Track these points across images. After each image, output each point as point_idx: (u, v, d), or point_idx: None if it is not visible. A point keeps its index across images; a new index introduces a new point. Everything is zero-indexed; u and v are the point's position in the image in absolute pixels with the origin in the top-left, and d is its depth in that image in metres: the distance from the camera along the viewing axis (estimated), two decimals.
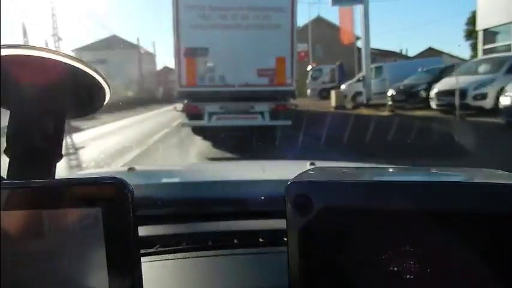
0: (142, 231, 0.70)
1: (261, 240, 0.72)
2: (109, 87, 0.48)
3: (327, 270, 0.32)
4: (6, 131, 0.44)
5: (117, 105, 13.31)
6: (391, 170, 0.37)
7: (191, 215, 0.85)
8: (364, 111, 13.10)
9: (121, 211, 0.32)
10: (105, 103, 0.51)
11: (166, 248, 0.69)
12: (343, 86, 16.85)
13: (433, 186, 0.32)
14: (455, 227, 0.30)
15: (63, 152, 0.47)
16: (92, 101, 0.49)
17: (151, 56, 36.91)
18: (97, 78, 0.46)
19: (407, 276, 0.31)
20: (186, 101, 7.76)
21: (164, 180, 1.20)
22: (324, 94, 22.25)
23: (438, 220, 0.30)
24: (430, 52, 26.15)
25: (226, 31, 7.56)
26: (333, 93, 15.26)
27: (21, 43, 0.41)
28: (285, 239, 0.62)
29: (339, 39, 23.94)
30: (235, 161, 3.16)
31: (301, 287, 0.33)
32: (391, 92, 13.26)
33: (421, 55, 27.47)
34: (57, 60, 0.42)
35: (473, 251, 0.30)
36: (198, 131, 8.10)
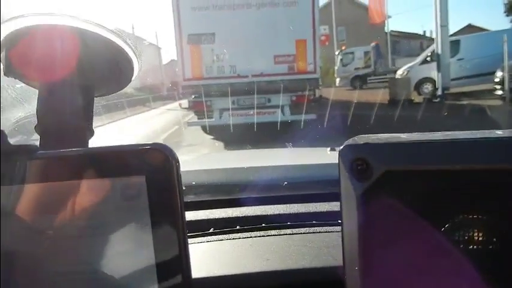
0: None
1: (289, 223, 0.73)
2: (138, 60, 0.48)
3: (388, 241, 0.31)
4: (36, 107, 0.44)
5: (113, 105, 13.04)
6: (444, 134, 0.33)
7: (216, 201, 0.88)
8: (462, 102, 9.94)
9: (167, 179, 0.32)
10: (133, 78, 0.51)
11: (196, 233, 0.70)
12: (399, 71, 13.70)
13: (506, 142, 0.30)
14: None
15: (93, 129, 0.48)
16: (120, 75, 0.49)
17: (156, 49, 37.25)
18: (125, 48, 0.46)
19: (472, 246, 0.31)
20: (192, 97, 7.25)
21: (188, 168, 1.20)
22: (358, 83, 20.02)
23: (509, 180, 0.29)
24: (470, 30, 25.24)
25: (234, 12, 6.90)
26: (392, 81, 12.32)
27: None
28: (315, 221, 0.70)
29: (366, 19, 23.09)
30: (253, 150, 3.04)
31: (361, 262, 0.32)
32: (500, 75, 9.34)
33: (462, 33, 26.55)
34: (83, 29, 0.42)
35: None
36: (209, 129, 7.54)
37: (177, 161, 0.32)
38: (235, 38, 6.89)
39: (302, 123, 6.50)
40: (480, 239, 0.30)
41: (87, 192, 0.32)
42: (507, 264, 0.30)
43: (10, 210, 0.32)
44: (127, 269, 0.32)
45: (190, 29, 6.95)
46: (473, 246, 0.30)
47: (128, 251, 0.32)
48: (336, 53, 21.47)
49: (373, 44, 20.00)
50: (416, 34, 31.01)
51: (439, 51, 11.02)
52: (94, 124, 0.48)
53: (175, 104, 11.23)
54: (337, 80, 21.07)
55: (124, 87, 0.52)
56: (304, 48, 7.04)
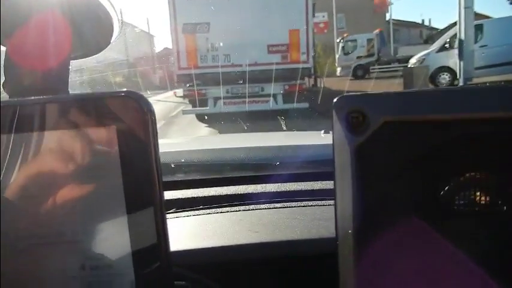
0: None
1: (280, 199, 0.75)
2: (118, 18, 0.46)
3: (385, 203, 0.29)
4: (3, 68, 0.42)
5: None
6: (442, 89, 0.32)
7: (206, 180, 0.89)
8: None
9: (140, 131, 0.30)
10: (113, 39, 0.48)
11: (184, 209, 0.72)
12: (412, 60, 12.70)
13: None
14: None
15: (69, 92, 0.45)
16: (98, 34, 0.47)
17: (147, 36, 37.03)
18: (103, 3, 0.43)
19: (476, 208, 0.29)
20: (187, 85, 7.48)
21: (180, 148, 1.23)
22: (360, 73, 19.20)
23: None
24: (476, 18, 25.08)
25: (229, 1, 7.15)
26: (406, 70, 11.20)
27: None
28: (308, 197, 0.71)
29: (366, 5, 22.04)
30: (246, 133, 3.21)
31: (355, 227, 0.30)
32: None
33: None
34: None
35: None
36: (203, 117, 7.77)
37: (152, 112, 0.30)
38: (229, 27, 7.13)
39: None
40: (483, 201, 0.29)
41: (51, 144, 0.30)
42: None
43: None
44: (99, 228, 0.31)
45: (185, 18, 7.19)
46: (476, 209, 0.29)
47: (99, 210, 0.31)
48: (337, 40, 20.82)
49: (376, 31, 19.35)
50: (416, 23, 30.90)
51: (462, 37, 9.70)
52: None
53: (167, 94, 10.97)
54: (338, 69, 20.22)
55: (103, 49, 0.49)
56: (297, 38, 7.32)
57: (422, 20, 35.32)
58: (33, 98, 0.31)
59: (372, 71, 19.07)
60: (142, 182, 0.30)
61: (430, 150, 0.29)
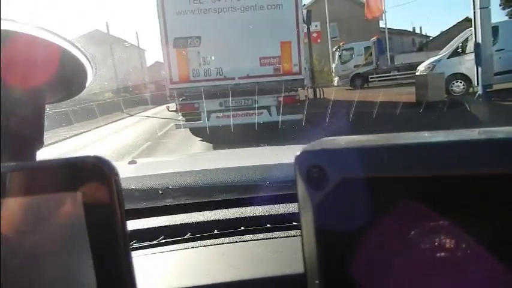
0: (146, 223, 0.80)
1: (268, 226, 0.77)
2: (92, 67, 0.48)
3: (349, 252, 0.31)
4: None
5: (85, 111, 12.03)
6: (412, 134, 0.34)
7: (194, 204, 0.91)
8: None
9: (104, 195, 0.30)
10: (87, 85, 0.51)
11: (171, 239, 0.73)
12: (421, 67, 12.16)
13: (481, 144, 0.30)
14: (498, 192, 0.28)
15: (44, 139, 0.47)
16: (72, 83, 0.49)
17: (139, 51, 37.20)
18: (78, 56, 0.46)
19: (440, 254, 0.30)
20: (180, 99, 7.53)
21: (165, 171, 1.24)
22: (359, 82, 18.67)
23: (481, 185, 0.29)
24: (468, 24, 25.39)
25: (220, 15, 7.28)
26: (419, 78, 10.83)
27: None
28: (294, 223, 0.71)
29: (358, 14, 21.83)
30: (237, 149, 3.22)
31: (320, 272, 0.31)
32: None
33: (459, 27, 27.06)
34: (35, 36, 0.42)
35: None
36: (197, 131, 7.89)
37: (116, 174, 0.31)
38: (221, 41, 7.26)
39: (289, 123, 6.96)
40: (448, 246, 0.30)
41: (19, 210, 0.31)
42: (475, 269, 0.30)
43: None
44: None
45: (176, 33, 7.31)
46: (441, 254, 0.30)
47: (67, 269, 0.31)
48: (333, 49, 20.58)
49: (374, 38, 19.15)
50: (407, 31, 31.54)
51: (479, 40, 9.27)
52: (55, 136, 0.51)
53: (159, 109, 10.66)
54: (335, 79, 19.85)
55: (77, 94, 0.52)
56: (288, 50, 7.44)
57: (413, 28, 36.24)
58: (4, 164, 0.32)
59: (371, 79, 18.85)
60: (109, 243, 0.31)
61: (388, 204, 0.30)
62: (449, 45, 12.12)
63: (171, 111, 8.28)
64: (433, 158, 0.29)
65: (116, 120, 14.24)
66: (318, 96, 13.21)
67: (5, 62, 0.42)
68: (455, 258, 0.30)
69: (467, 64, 10.65)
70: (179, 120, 8.12)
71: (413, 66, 17.86)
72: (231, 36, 7.34)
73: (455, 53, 11.38)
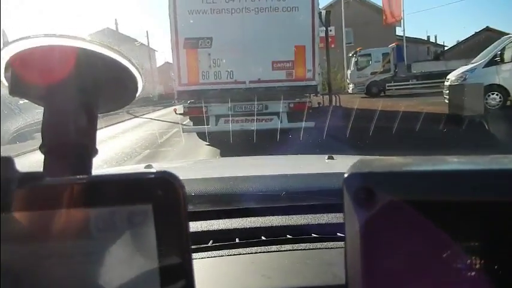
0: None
1: (292, 237, 0.79)
2: (142, 77, 0.52)
3: (389, 269, 0.34)
4: (41, 127, 0.47)
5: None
6: (450, 159, 0.37)
7: (216, 211, 0.92)
8: None
9: (173, 207, 0.34)
10: (137, 94, 0.54)
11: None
12: (451, 77, 11.33)
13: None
14: None
15: (97, 147, 0.50)
16: (124, 93, 0.53)
17: (149, 50, 37.43)
18: (129, 67, 0.49)
19: (472, 273, 0.33)
20: (188, 102, 7.43)
21: (193, 176, 1.25)
22: (375, 90, 18.28)
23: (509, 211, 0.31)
24: (488, 33, 25.33)
25: (232, 16, 7.14)
26: (451, 88, 10.03)
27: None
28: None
29: (375, 20, 21.64)
30: (250, 157, 3.20)
31: (362, 286, 0.34)
32: None
33: (479, 36, 26.81)
34: (85, 49, 0.46)
35: None
36: (204, 136, 7.68)
37: (183, 189, 0.34)
38: (232, 42, 7.11)
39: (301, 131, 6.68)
40: (480, 266, 0.32)
41: (94, 220, 0.34)
42: None
43: (13, 237, 0.33)
44: None
45: (187, 33, 7.17)
46: (474, 273, 0.32)
47: (134, 279, 0.34)
48: (349, 55, 20.08)
49: (393, 44, 18.76)
50: (422, 39, 31.33)
51: None
52: None
53: (166, 111, 10.45)
54: (350, 86, 19.43)
55: (129, 104, 0.56)
56: (302, 55, 7.28)
57: (428, 37, 35.99)
58: (80, 177, 0.37)
59: (388, 88, 18.26)
60: (176, 253, 0.34)
61: (430, 225, 0.32)
62: (484, 53, 11.34)
63: (179, 114, 8.14)
64: (475, 184, 0.32)
65: (118, 122, 13.84)
66: (334, 104, 12.89)
67: (62, 76, 0.46)
68: (490, 280, 0.32)
69: (504, 74, 10.11)
70: (185, 124, 7.98)
71: (434, 75, 17.60)
72: (244, 38, 7.19)
73: (492, 62, 10.55)
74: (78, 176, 0.37)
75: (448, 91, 10.38)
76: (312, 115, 7.28)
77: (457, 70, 11.74)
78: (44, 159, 0.47)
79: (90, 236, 0.34)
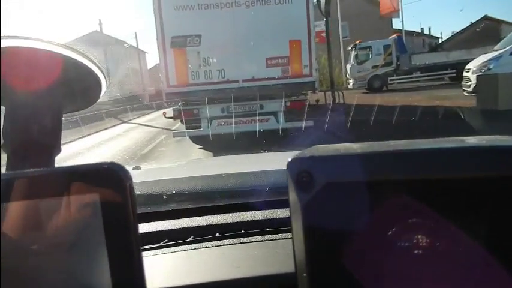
0: (150, 227, 0.86)
1: (267, 229, 0.81)
2: (105, 78, 0.55)
3: (333, 248, 0.35)
4: (2, 126, 0.50)
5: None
6: (393, 143, 0.39)
7: (197, 209, 0.96)
8: None
9: (119, 198, 0.35)
10: (101, 95, 0.57)
11: (174, 242, 0.78)
12: (471, 66, 10.34)
13: (443, 152, 0.36)
14: (467, 195, 0.34)
15: (61, 146, 0.53)
16: (87, 93, 0.56)
17: (139, 52, 37.26)
18: (92, 68, 0.52)
19: (417, 251, 0.35)
20: (178, 105, 7.16)
21: (169, 176, 1.30)
22: (377, 84, 17.77)
23: (449, 188, 0.34)
24: (487, 21, 25.26)
25: (222, 11, 6.83)
26: (472, 77, 9.26)
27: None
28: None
29: (370, 12, 21.45)
30: (238, 155, 3.21)
31: (307, 267, 0.36)
32: None
33: (477, 25, 26.71)
34: (50, 51, 0.48)
35: (488, 221, 0.33)
36: (197, 139, 7.46)
37: (130, 180, 0.36)
38: (223, 39, 6.82)
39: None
40: (424, 244, 0.34)
41: (44, 211, 0.35)
42: (452, 265, 0.34)
43: None
44: (84, 286, 0.36)
45: (173, 31, 6.85)
46: (418, 251, 0.34)
47: (84, 268, 0.36)
48: (348, 48, 19.44)
49: (394, 36, 18.22)
50: (416, 31, 31.24)
51: None
52: None
53: (156, 114, 10.25)
54: (351, 81, 18.81)
55: (92, 104, 0.59)
56: (298, 50, 7.00)
57: (422, 29, 36.11)
58: (31, 170, 0.38)
59: (391, 82, 17.75)
60: (124, 240, 0.36)
61: (370, 205, 0.35)
62: (507, 39, 10.49)
63: (168, 117, 7.85)
64: (407, 163, 0.35)
65: (104, 129, 13.29)
66: (337, 102, 12.20)
67: (26, 76, 0.49)
68: (433, 254, 0.34)
69: None
70: (174, 129, 7.70)
71: (438, 66, 17.21)
72: (235, 34, 6.89)
73: None
74: (25, 170, 0.38)
75: (474, 83, 9.54)
76: (310, 113, 7.00)
77: (476, 59, 10.87)
78: (7, 158, 0.48)
79: (42, 227, 0.36)
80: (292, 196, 0.36)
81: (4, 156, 0.49)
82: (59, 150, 0.52)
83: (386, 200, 0.34)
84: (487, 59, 10.40)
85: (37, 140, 0.49)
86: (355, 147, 0.38)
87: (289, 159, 0.37)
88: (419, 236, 0.34)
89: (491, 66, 9.99)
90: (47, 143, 0.50)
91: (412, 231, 0.34)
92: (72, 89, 0.54)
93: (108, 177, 0.35)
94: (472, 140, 0.39)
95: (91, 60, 0.51)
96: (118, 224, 0.35)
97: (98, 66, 0.52)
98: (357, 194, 0.35)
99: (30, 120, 0.50)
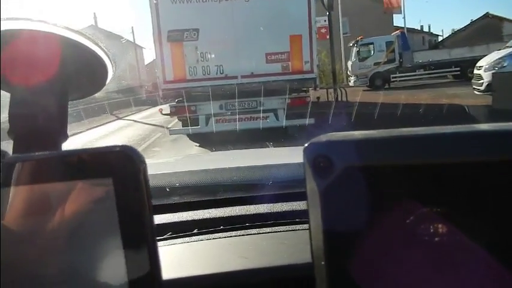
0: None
1: (273, 221, 0.82)
2: (112, 63, 0.54)
3: (353, 235, 0.34)
4: (8, 112, 0.49)
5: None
6: (414, 129, 0.36)
7: (201, 202, 0.96)
8: None
9: (133, 181, 0.35)
10: (107, 81, 0.57)
11: (178, 234, 0.79)
12: (482, 63, 10.09)
13: (469, 135, 0.34)
14: (492, 180, 0.32)
15: (67, 133, 0.53)
16: (94, 79, 0.56)
17: (136, 47, 37.15)
18: (99, 53, 0.51)
19: (436, 238, 0.34)
20: (175, 101, 7.03)
21: (173, 170, 1.30)
22: (379, 82, 17.18)
23: (473, 173, 0.32)
24: (488, 19, 25.24)
25: (220, 4, 6.69)
26: (484, 75, 9.07)
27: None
28: (297, 219, 0.81)
29: (371, 8, 21.73)
30: (243, 150, 3.17)
31: (326, 254, 0.35)
32: None
33: (478, 23, 26.63)
34: (55, 33, 0.47)
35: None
36: (195, 136, 7.33)
37: (144, 163, 0.35)
38: (221, 34, 6.66)
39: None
40: (443, 231, 0.33)
41: (56, 194, 0.35)
42: (471, 254, 0.33)
43: None
44: (97, 272, 0.35)
45: (170, 25, 6.69)
46: (438, 238, 0.33)
47: (98, 253, 0.35)
48: (350, 44, 19.29)
49: (397, 32, 18.09)
50: (416, 29, 31.33)
51: None
52: None
53: (151, 111, 10.09)
54: (352, 78, 18.61)
55: (98, 90, 0.58)
56: (299, 45, 6.86)
57: (421, 26, 36.19)
58: (41, 153, 0.37)
59: (393, 79, 17.59)
60: (137, 223, 0.35)
61: (390, 191, 0.34)
62: None
63: (164, 114, 7.69)
64: (425, 147, 0.33)
65: (97, 126, 12.97)
66: (340, 99, 11.83)
67: (30, 61, 0.48)
68: (455, 244, 0.33)
69: None
70: (170, 127, 7.54)
71: (441, 64, 17.11)
72: (234, 29, 6.72)
73: None
74: (38, 153, 0.37)
75: (487, 81, 9.24)
76: (310, 112, 6.84)
77: (488, 56, 10.60)
78: (13, 144, 0.48)
79: (54, 210, 0.35)
80: (310, 182, 0.35)
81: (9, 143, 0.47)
82: (65, 137, 0.51)
83: (406, 186, 0.33)
84: (501, 56, 10.17)
85: (43, 127, 0.49)
86: (373, 132, 0.36)
87: (306, 144, 0.36)
88: (439, 224, 0.33)
89: (505, 64, 9.81)
90: (52, 129, 0.50)
91: (432, 219, 0.33)
92: (79, 74, 0.53)
93: (122, 160, 0.34)
94: (497, 126, 0.36)
95: (97, 45, 0.50)
96: (132, 209, 0.34)
97: (104, 51, 0.51)
98: (378, 179, 0.33)
99: (35, 107, 0.49)
